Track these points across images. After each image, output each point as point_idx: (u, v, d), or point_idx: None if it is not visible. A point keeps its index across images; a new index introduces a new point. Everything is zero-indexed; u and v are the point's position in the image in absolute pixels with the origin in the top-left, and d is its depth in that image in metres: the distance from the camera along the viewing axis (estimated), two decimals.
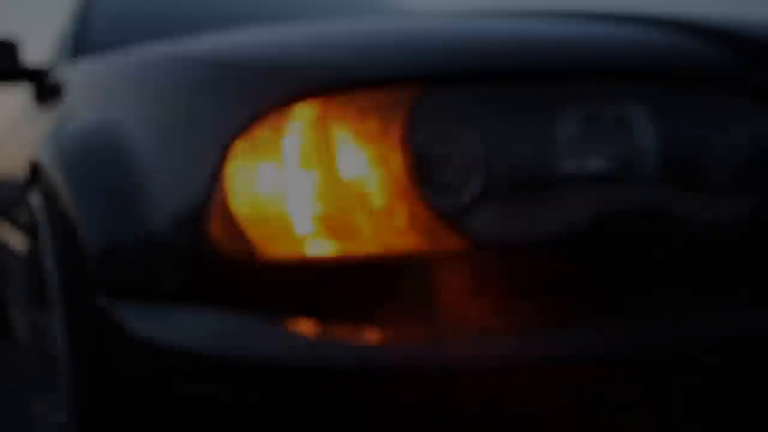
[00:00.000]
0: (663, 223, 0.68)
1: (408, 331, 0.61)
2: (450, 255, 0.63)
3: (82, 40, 1.76)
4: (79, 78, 1.22)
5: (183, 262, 0.68)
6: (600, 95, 0.70)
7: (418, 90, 0.65)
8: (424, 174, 0.64)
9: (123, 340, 0.72)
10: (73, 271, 0.83)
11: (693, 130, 0.71)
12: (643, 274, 0.68)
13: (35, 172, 1.09)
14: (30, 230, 1.17)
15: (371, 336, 0.60)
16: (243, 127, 0.66)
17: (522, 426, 0.57)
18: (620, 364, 0.58)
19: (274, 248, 0.65)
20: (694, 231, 0.69)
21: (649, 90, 0.70)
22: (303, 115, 0.65)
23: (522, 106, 0.69)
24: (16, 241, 1.78)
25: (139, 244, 0.73)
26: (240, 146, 0.66)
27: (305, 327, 0.62)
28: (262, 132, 0.65)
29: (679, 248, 0.69)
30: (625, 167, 0.69)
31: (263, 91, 0.67)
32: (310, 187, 0.65)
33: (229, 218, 0.66)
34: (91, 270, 0.78)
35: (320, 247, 0.64)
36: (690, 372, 0.59)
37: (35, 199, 1.04)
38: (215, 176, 0.67)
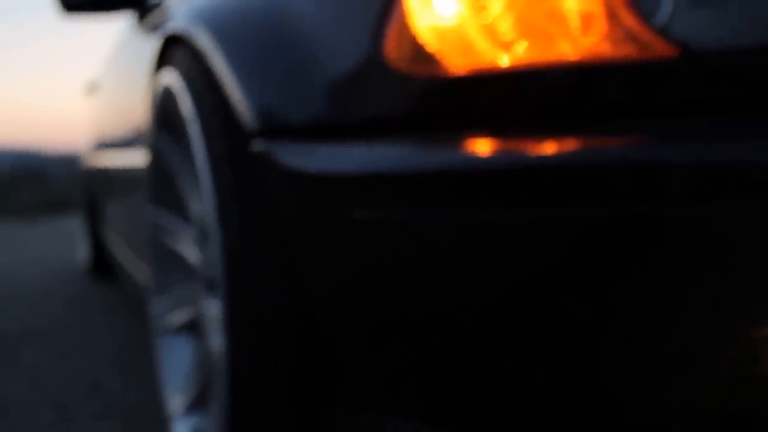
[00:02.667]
0: None
1: (601, 140, 0.54)
2: (654, 62, 0.56)
3: None
4: None
5: (359, 90, 0.64)
6: None
7: None
8: None
9: (292, 179, 0.68)
10: (221, 127, 0.80)
11: None
12: None
13: (165, 52, 1.08)
14: (159, 121, 1.16)
15: (566, 145, 0.54)
16: None
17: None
18: None
19: (458, 63, 0.59)
20: None
21: None
22: None
23: None
24: (126, 161, 1.80)
25: (307, 80, 0.69)
26: None
27: (490, 143, 0.57)
28: None
29: None
30: None
31: None
32: None
33: (409, 38, 0.61)
34: (246, 118, 0.75)
35: (508, 58, 0.58)
36: None
37: (169, 77, 1.02)
38: None
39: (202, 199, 0.83)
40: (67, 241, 5.34)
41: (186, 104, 0.89)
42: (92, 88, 3.05)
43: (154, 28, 1.39)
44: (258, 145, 0.74)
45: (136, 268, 1.89)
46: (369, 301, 0.65)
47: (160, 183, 1.24)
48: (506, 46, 0.58)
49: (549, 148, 0.55)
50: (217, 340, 1.07)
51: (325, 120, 0.67)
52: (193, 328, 1.24)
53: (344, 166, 0.64)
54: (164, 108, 1.11)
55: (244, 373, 0.77)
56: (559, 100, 0.57)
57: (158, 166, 1.23)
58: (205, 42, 0.84)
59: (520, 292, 0.56)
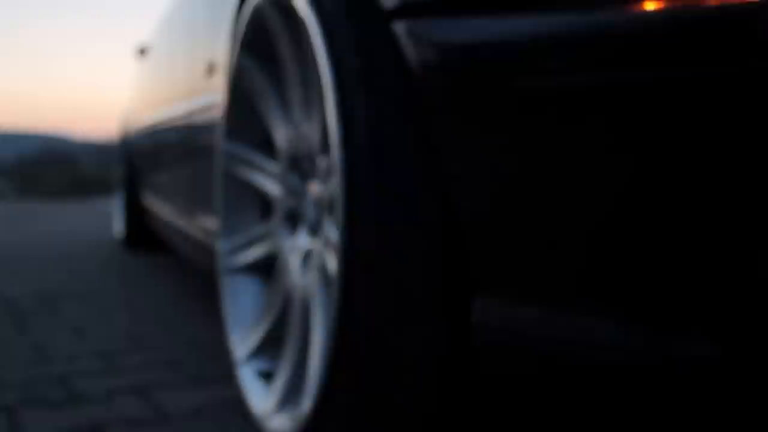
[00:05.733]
0: None
1: None
2: None
3: None
4: None
5: None
6: None
7: None
8: None
9: (441, 55, 0.61)
10: (349, 13, 0.73)
11: None
12: None
13: None
14: (246, 43, 1.09)
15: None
16: None
17: None
18: None
19: None
20: None
21: None
22: None
23: None
24: (185, 110, 1.74)
25: None
26: None
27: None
28: None
29: None
30: None
31: None
32: None
33: None
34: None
35: None
36: None
37: None
38: None
39: (324, 99, 0.75)
40: (96, 219, 5.33)
41: (301, 2, 0.82)
42: (143, 51, 3.00)
43: None
44: (399, 26, 0.67)
45: (188, 224, 1.82)
46: (522, 179, 0.57)
47: (240, 114, 1.17)
48: None
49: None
50: (295, 274, 1.00)
51: None
52: (263, 267, 1.17)
53: (504, 35, 0.56)
54: (256, 25, 1.05)
55: (369, 289, 0.69)
56: None
57: (239, 95, 1.16)
58: None
59: (697, 160, 0.48)
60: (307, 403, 0.84)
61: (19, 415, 1.18)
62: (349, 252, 0.70)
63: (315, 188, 0.99)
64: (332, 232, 0.87)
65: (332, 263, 0.87)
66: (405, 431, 0.75)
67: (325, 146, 0.91)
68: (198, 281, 2.53)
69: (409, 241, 0.67)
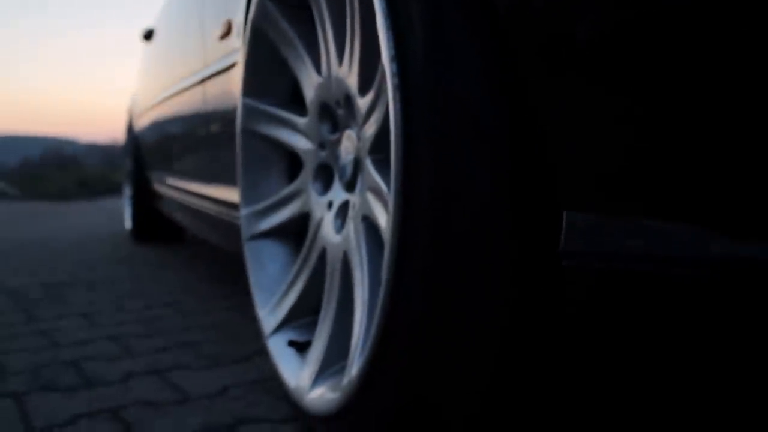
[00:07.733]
0: None
1: None
2: None
3: None
4: None
5: None
6: None
7: None
8: None
9: None
10: None
11: None
12: None
13: None
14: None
15: None
16: None
17: None
18: None
19: None
20: None
21: None
22: None
23: None
24: (197, 79, 1.64)
25: None
26: None
27: None
28: None
29: None
30: None
31: None
32: None
33: None
34: None
35: None
36: None
37: None
38: None
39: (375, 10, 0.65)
40: (100, 217, 5.25)
41: None
42: (149, 35, 2.90)
43: None
44: None
45: (205, 201, 1.73)
46: (629, 80, 0.47)
47: (261, 65, 1.08)
48: None
49: None
50: (330, 232, 0.90)
51: None
52: (291, 230, 1.07)
53: None
54: None
55: (430, 223, 0.59)
56: None
57: (259, 45, 1.06)
58: None
59: None
60: (353, 371, 0.74)
61: (30, 402, 1.09)
62: (405, 180, 0.60)
63: (351, 135, 0.90)
64: (375, 174, 0.77)
65: (376, 209, 0.77)
66: (467, 394, 0.65)
67: (365, 85, 0.81)
68: (211, 269, 2.44)
69: (478, 159, 0.56)
